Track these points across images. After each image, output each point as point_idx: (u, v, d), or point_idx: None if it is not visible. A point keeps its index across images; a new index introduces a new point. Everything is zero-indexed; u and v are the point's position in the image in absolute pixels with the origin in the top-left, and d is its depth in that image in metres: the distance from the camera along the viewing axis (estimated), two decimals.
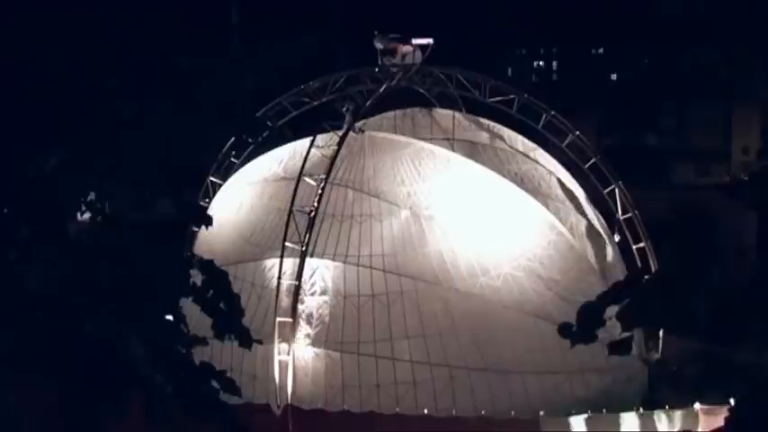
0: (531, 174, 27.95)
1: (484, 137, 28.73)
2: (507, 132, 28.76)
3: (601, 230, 27.91)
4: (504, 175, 27.21)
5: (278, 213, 25.54)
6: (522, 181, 27.48)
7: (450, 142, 28.32)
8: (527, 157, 28.31)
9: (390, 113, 29.13)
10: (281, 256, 24.08)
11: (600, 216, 28.28)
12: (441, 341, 24.07)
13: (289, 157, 26.87)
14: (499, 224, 25.16)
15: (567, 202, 27.80)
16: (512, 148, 28.44)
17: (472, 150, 28.42)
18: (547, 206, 26.91)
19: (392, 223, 24.92)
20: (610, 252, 27.64)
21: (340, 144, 25.40)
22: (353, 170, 25.65)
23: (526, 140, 28.73)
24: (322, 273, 24.45)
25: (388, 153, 26.08)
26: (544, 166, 28.21)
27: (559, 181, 28.04)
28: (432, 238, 24.81)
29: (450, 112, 28.95)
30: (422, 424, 23.13)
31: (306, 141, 26.00)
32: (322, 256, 24.46)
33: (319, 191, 24.55)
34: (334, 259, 24.49)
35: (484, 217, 25.21)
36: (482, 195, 25.49)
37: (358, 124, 26.81)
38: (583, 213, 27.81)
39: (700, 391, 22.51)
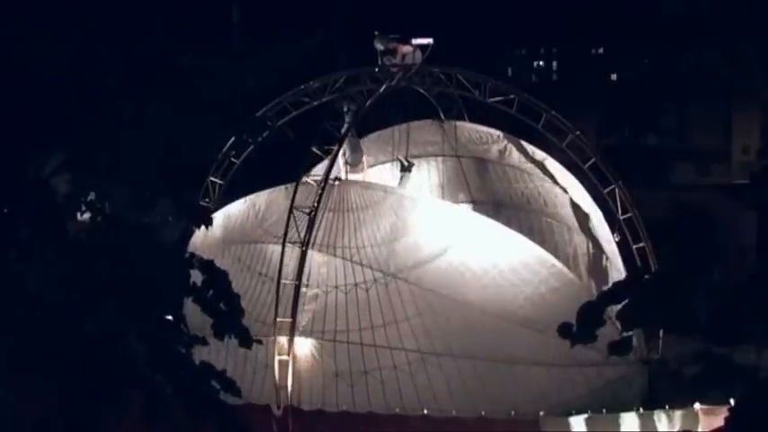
0: (538, 192, 27.82)
1: (494, 152, 28.50)
2: (518, 144, 28.53)
3: (605, 244, 27.76)
4: (510, 196, 27.27)
5: (260, 279, 24.70)
6: (528, 201, 27.41)
7: (459, 160, 28.33)
8: (536, 166, 28.16)
9: (399, 126, 28.62)
10: (282, 255, 23.99)
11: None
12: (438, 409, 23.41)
13: (266, 207, 25.96)
14: (487, 276, 24.29)
15: (573, 221, 27.62)
16: (523, 157, 28.26)
17: (481, 167, 28.27)
18: (551, 228, 26.84)
19: (378, 291, 23.96)
20: (612, 267, 27.46)
21: (339, 145, 25.40)
22: (332, 232, 24.55)
23: (537, 150, 28.57)
24: (311, 349, 23.83)
25: (368, 207, 25.03)
26: (552, 179, 28.13)
27: (565, 194, 27.99)
28: (420, 308, 23.92)
29: (461, 124, 28.72)
30: (421, 424, 23.12)
31: (280, 190, 25.51)
32: (310, 334, 23.77)
33: (319, 191, 24.48)
34: (323, 337, 23.71)
35: (472, 271, 24.28)
36: (468, 245, 24.54)
37: (361, 148, 26.60)
38: (588, 232, 27.59)
39: (700, 391, 22.45)
